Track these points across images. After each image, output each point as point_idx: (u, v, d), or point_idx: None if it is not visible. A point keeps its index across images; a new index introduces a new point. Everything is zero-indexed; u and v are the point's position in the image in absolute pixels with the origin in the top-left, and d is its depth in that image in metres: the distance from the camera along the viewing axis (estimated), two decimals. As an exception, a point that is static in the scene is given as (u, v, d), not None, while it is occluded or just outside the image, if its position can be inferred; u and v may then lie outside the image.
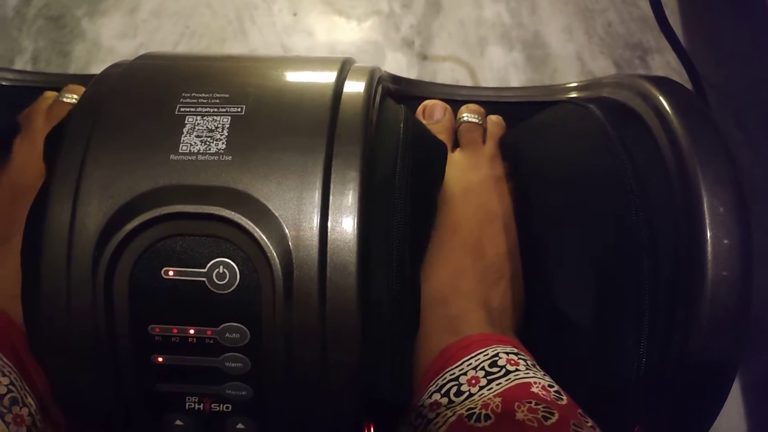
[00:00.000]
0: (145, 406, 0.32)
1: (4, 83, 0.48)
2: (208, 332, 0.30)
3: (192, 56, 0.44)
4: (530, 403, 0.28)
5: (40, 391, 0.33)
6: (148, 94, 0.34)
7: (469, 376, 0.31)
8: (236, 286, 0.30)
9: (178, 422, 0.33)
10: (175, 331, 0.30)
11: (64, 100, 0.43)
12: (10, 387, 0.31)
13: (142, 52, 0.64)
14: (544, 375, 0.30)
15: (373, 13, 0.66)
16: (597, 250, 0.35)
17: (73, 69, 0.64)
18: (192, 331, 0.30)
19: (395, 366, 0.33)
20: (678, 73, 0.59)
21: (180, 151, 0.31)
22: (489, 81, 0.61)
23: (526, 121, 0.43)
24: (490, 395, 0.29)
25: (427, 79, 0.60)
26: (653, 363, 0.33)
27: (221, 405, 0.32)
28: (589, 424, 0.27)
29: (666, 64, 0.62)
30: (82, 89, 0.44)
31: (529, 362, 0.31)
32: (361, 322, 0.30)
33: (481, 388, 0.30)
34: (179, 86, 0.33)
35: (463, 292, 0.36)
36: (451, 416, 0.29)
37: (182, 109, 0.32)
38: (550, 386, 0.29)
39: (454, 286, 0.36)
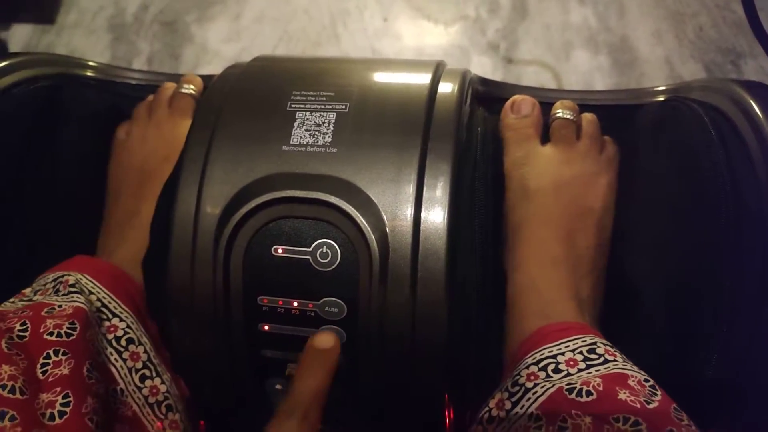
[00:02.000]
0: (250, 370, 0.36)
1: (130, 81, 0.54)
2: (310, 305, 0.34)
3: (300, 58, 0.48)
4: (631, 388, 0.29)
5: (153, 333, 0.38)
6: (263, 93, 0.38)
7: (567, 357, 0.32)
8: (337, 265, 0.33)
9: (278, 386, 0.36)
10: (281, 303, 0.34)
11: (183, 90, 0.48)
12: (127, 330, 0.36)
13: (244, 55, 0.70)
14: (640, 370, 0.31)
15: (460, 17, 0.69)
16: (685, 242, 0.36)
17: (183, 70, 0.70)
18: (296, 304, 0.34)
19: (480, 344, 0.35)
20: (773, 79, 0.57)
21: (291, 143, 0.35)
22: (573, 85, 0.62)
23: (637, 118, 0.44)
24: (590, 377, 0.30)
25: (511, 82, 0.62)
26: (729, 360, 0.34)
27: (317, 374, 0.35)
28: (684, 421, 0.28)
29: (759, 69, 0.61)
30: (199, 80, 0.49)
31: (624, 356, 0.32)
32: (449, 303, 0.32)
33: (580, 370, 0.31)
34: (290, 85, 0.37)
35: (555, 281, 0.37)
36: (550, 387, 0.30)
37: (293, 106, 0.36)
38: (646, 381, 0.30)
39: (546, 276, 0.37)
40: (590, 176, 0.41)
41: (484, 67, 0.65)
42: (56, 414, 0.29)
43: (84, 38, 0.72)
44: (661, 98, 0.45)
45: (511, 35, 0.67)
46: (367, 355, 0.34)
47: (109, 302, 0.36)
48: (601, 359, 0.31)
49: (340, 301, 0.33)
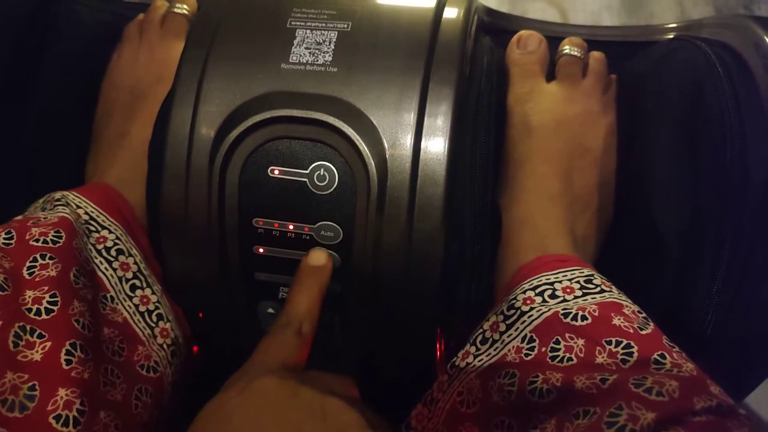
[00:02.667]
0: (244, 292, 0.36)
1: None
2: (306, 229, 0.33)
3: None
4: (625, 316, 0.30)
5: (143, 245, 0.38)
6: (262, 9, 0.36)
7: (564, 285, 0.32)
8: (334, 189, 0.33)
9: (270, 310, 0.36)
10: (276, 225, 0.34)
11: (176, 10, 0.46)
12: (116, 241, 0.36)
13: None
14: (634, 303, 0.31)
15: (467, -52, 0.66)
16: (689, 180, 0.36)
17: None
18: (291, 227, 0.33)
19: (473, 274, 0.35)
20: (786, 24, 0.56)
21: (290, 60, 0.33)
22: (581, 23, 0.60)
23: (637, 57, 0.43)
24: (586, 304, 0.30)
25: (517, 18, 0.60)
26: (724, 303, 0.34)
27: (311, 298, 0.35)
28: (675, 349, 0.28)
29: (773, 14, 0.59)
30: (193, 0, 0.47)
31: (619, 290, 0.33)
32: (446, 231, 0.32)
33: (576, 297, 0.31)
34: (290, 2, 0.36)
35: (552, 217, 0.37)
36: (546, 311, 0.31)
37: (293, 23, 0.35)
38: (640, 312, 0.31)
39: (543, 211, 0.37)
40: (593, 115, 0.41)
41: (489, 1, 0.63)
42: (42, 310, 0.29)
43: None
44: (671, 35, 0.44)
45: (519, -31, 0.64)
46: (362, 281, 0.34)
47: (98, 216, 0.36)
48: (598, 288, 0.32)
49: (336, 226, 0.33)
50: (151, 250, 0.38)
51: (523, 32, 0.44)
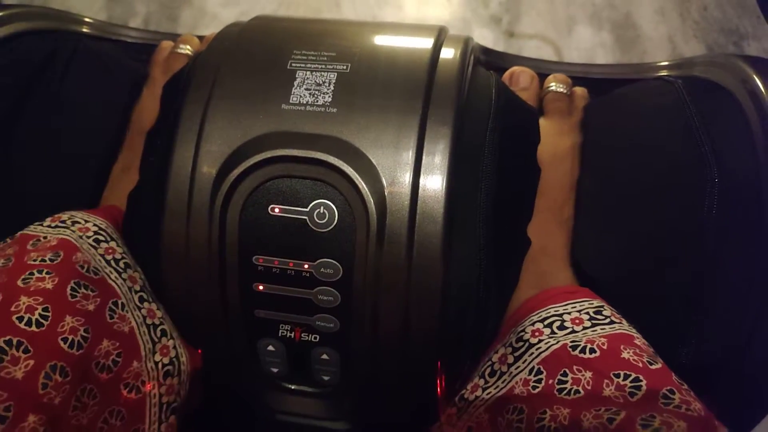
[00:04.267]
0: (243, 329, 0.36)
1: (126, 40, 0.53)
2: (306, 266, 0.34)
3: (301, 19, 0.47)
4: (635, 349, 0.29)
5: None
6: (263, 51, 0.37)
7: (572, 316, 0.32)
8: (334, 226, 0.33)
9: (270, 347, 0.36)
10: (276, 263, 0.34)
11: (179, 51, 0.47)
12: (123, 255, 0.36)
13: (243, 19, 0.69)
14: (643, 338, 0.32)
15: (463, -11, 0.68)
16: (659, 229, 0.36)
17: (180, 32, 0.69)
18: (291, 264, 0.34)
19: (480, 311, 0.35)
20: (775, 60, 0.57)
21: (290, 101, 0.34)
22: (575, 60, 0.62)
23: (612, 92, 0.44)
24: (595, 335, 0.30)
25: (513, 55, 0.61)
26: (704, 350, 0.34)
27: (310, 335, 0.35)
28: (684, 386, 0.28)
29: (762, 50, 0.61)
30: (196, 39, 0.48)
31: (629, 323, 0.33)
32: (444, 268, 0.32)
33: (585, 328, 0.31)
34: (291, 44, 0.37)
35: (551, 252, 0.37)
36: (554, 344, 0.31)
37: (293, 65, 0.36)
38: (649, 346, 0.31)
39: (542, 246, 0.38)
40: (578, 150, 0.41)
41: (485, 39, 0.65)
42: (34, 321, 0.29)
43: (79, -3, 0.71)
44: (663, 73, 0.45)
45: (514, 8, 0.66)
46: (361, 317, 0.34)
47: (107, 227, 0.36)
48: (608, 320, 0.32)
49: (336, 263, 0.33)
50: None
51: (515, 68, 0.45)
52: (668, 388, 0.27)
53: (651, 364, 0.28)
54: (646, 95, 0.41)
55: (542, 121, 0.42)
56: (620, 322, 0.31)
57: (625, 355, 0.29)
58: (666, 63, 0.46)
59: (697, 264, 0.35)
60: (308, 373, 0.37)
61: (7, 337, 0.28)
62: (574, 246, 0.38)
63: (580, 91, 0.44)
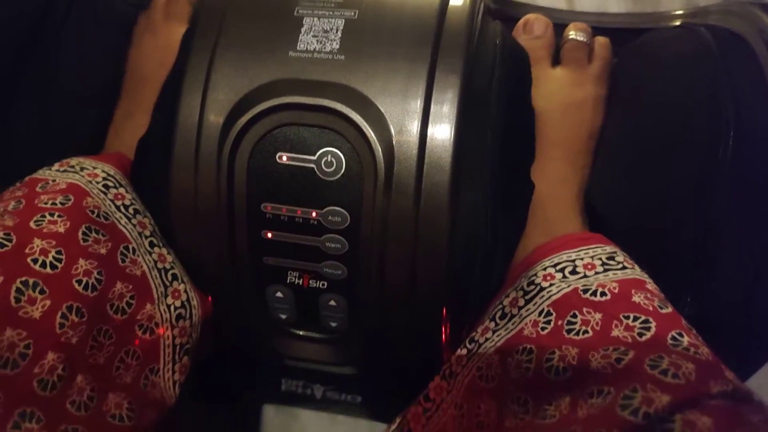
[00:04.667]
0: (252, 276, 0.37)
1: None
2: (314, 214, 0.34)
3: None
4: (646, 293, 0.30)
5: None
6: (270, -3, 0.36)
7: (585, 261, 0.32)
8: (342, 174, 0.33)
9: (279, 294, 0.37)
10: (284, 210, 0.34)
11: None
12: (133, 201, 0.36)
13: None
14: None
15: (473, -66, 0.65)
16: (676, 174, 0.36)
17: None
18: (299, 212, 0.34)
19: (485, 259, 0.35)
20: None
21: (297, 48, 0.34)
22: (587, 9, 0.60)
23: (636, 41, 0.43)
24: (606, 280, 0.31)
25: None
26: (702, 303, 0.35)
27: (318, 282, 0.36)
28: (693, 331, 0.28)
29: (781, -1, 0.59)
30: None
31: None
32: (452, 216, 0.33)
33: (597, 273, 0.31)
34: (298, -11, 0.36)
35: (562, 200, 0.38)
36: (565, 287, 0.31)
37: (300, 11, 0.35)
38: (660, 291, 0.31)
39: (553, 194, 0.38)
40: (600, 100, 0.41)
41: (495, -13, 0.63)
42: (48, 264, 0.29)
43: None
44: (677, 22, 0.44)
45: (525, -45, 0.64)
46: (368, 266, 0.34)
47: (115, 174, 0.36)
48: (620, 266, 0.32)
49: (344, 211, 0.33)
50: None
51: (529, 16, 0.44)
52: (677, 331, 0.27)
53: (661, 308, 0.28)
54: (670, 43, 0.40)
55: (558, 71, 0.41)
56: (632, 268, 0.32)
57: (635, 298, 0.29)
58: (681, 12, 0.45)
59: (709, 216, 0.35)
60: (316, 319, 0.38)
61: (24, 278, 0.28)
62: (591, 191, 0.39)
63: (602, 39, 0.43)
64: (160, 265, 0.35)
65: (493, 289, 0.37)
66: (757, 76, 0.36)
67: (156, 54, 0.44)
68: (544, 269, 0.33)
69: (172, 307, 0.35)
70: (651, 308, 0.28)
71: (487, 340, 0.33)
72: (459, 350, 0.34)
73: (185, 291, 0.36)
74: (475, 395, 0.32)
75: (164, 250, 0.36)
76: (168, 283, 0.35)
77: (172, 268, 0.36)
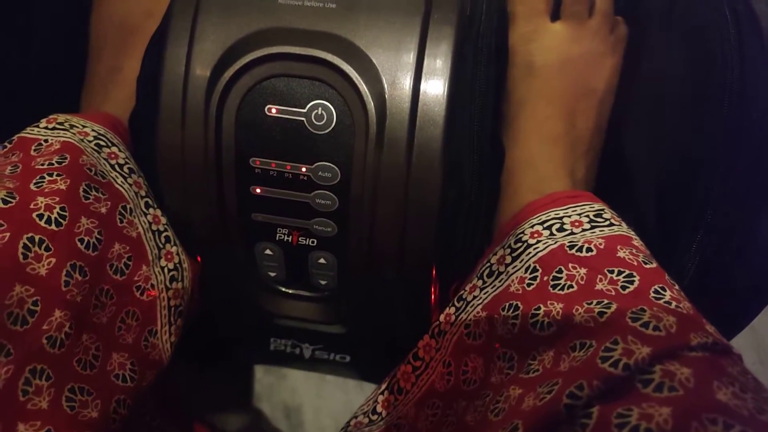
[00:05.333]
0: (241, 233, 0.36)
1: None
2: (303, 169, 0.33)
3: None
4: (631, 249, 0.30)
5: None
6: (258, -59, 0.35)
7: (572, 219, 0.32)
8: (332, 129, 0.32)
9: (267, 251, 0.37)
10: (273, 165, 0.33)
11: None
12: (126, 160, 0.35)
13: None
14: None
15: None
16: (684, 131, 0.36)
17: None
18: (288, 167, 0.33)
19: (470, 215, 0.35)
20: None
21: (287, -5, 0.33)
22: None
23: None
24: (593, 237, 0.31)
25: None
26: (706, 270, 0.35)
27: (307, 239, 0.36)
28: (676, 286, 0.28)
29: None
30: None
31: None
32: (444, 171, 0.32)
33: (584, 230, 0.31)
34: (288, -66, 0.34)
35: (554, 158, 0.37)
36: (552, 244, 0.31)
37: (290, -43, 0.34)
38: (645, 248, 0.31)
39: (544, 152, 0.37)
40: (598, 56, 0.40)
41: (491, -56, 0.61)
42: (53, 220, 0.29)
43: None
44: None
45: None
46: (359, 222, 0.34)
47: (105, 133, 0.35)
48: (607, 222, 0.32)
49: (334, 166, 0.33)
50: None
51: None
52: (660, 285, 0.27)
53: (646, 263, 0.29)
54: (689, 6, 0.39)
55: (557, 25, 0.40)
56: (619, 225, 0.32)
57: (621, 254, 0.29)
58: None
59: (714, 175, 0.35)
60: (305, 277, 0.37)
61: (30, 234, 0.28)
62: (607, 138, 0.39)
63: None
64: (154, 227, 0.35)
65: (478, 247, 0.37)
66: (756, 34, 0.35)
67: (143, 4, 0.42)
68: (532, 226, 0.32)
69: (165, 269, 0.34)
70: (635, 263, 0.29)
71: (474, 298, 0.33)
72: (447, 309, 0.34)
73: (177, 253, 0.35)
74: (463, 353, 0.32)
75: (158, 212, 0.35)
76: (161, 245, 0.35)
77: (165, 230, 0.35)
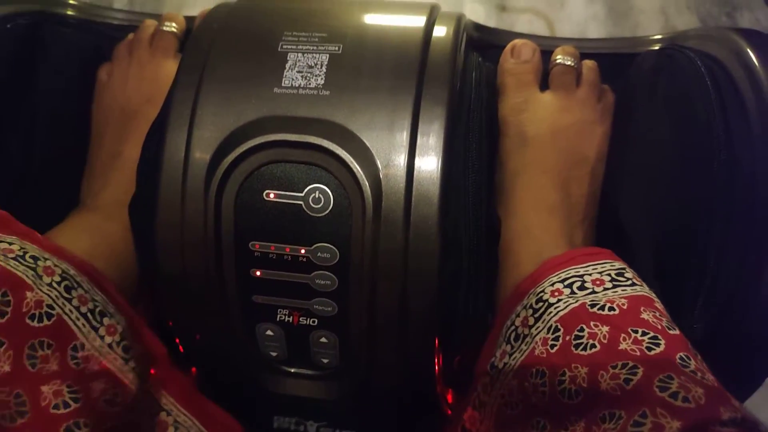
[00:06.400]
0: (241, 314, 0.36)
1: (112, 22, 0.52)
2: (302, 251, 0.33)
3: None
4: (654, 312, 0.29)
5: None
6: (254, 33, 0.36)
7: (593, 277, 0.32)
8: (330, 210, 0.33)
9: (269, 332, 0.37)
10: (272, 248, 0.34)
11: (165, 29, 0.46)
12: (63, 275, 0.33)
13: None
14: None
15: (453, -38, 0.67)
16: (676, 195, 0.37)
17: (166, 11, 0.67)
18: (288, 249, 0.34)
19: (469, 290, 0.35)
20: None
21: (283, 84, 0.34)
22: (567, 34, 0.61)
23: (634, 63, 0.43)
24: (615, 296, 0.30)
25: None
26: (713, 313, 0.35)
27: (308, 319, 0.36)
28: (699, 356, 0.28)
29: (755, 21, 0.60)
30: (181, 18, 0.47)
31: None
32: (441, 249, 0.32)
33: (606, 289, 0.31)
34: (282, 25, 0.36)
35: (551, 228, 0.37)
36: (573, 303, 0.30)
37: (285, 47, 0.35)
38: (667, 313, 0.30)
39: (541, 222, 0.38)
40: (588, 124, 0.41)
41: (476, 14, 0.64)
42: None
43: (61, -24, 0.69)
44: (657, 47, 0.45)
45: (505, -18, 0.65)
46: (359, 300, 0.34)
47: (74, 274, 0.33)
48: (629, 282, 0.31)
49: (333, 247, 0.33)
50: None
51: (517, 41, 0.44)
52: (685, 353, 0.27)
53: (669, 329, 0.28)
54: (664, 71, 0.41)
55: (547, 95, 0.41)
56: (641, 285, 0.31)
57: (644, 315, 0.28)
58: (660, 36, 0.46)
59: (711, 237, 0.35)
60: (307, 356, 0.37)
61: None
62: (602, 208, 0.39)
63: (589, 63, 0.43)
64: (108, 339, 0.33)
65: (480, 318, 0.37)
66: (735, 99, 0.36)
67: (143, 89, 0.43)
68: (552, 285, 0.32)
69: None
70: (660, 327, 0.28)
71: (505, 365, 0.32)
72: (484, 378, 0.33)
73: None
74: (504, 424, 0.31)
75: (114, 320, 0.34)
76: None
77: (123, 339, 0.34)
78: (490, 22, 0.63)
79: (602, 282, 0.31)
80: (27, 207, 0.38)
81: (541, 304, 0.32)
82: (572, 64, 0.42)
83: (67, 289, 0.32)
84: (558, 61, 0.42)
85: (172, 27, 0.46)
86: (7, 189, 0.42)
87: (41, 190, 0.42)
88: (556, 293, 0.32)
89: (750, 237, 0.34)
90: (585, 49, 0.46)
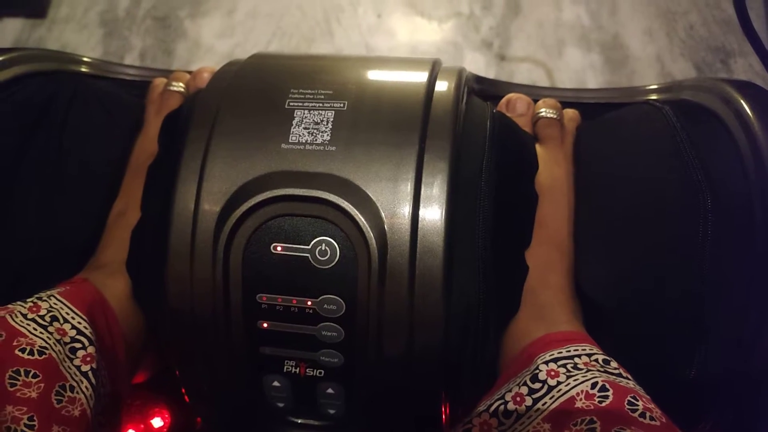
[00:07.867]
0: (249, 366, 0.36)
1: (124, 78, 0.54)
2: (309, 303, 0.34)
3: (298, 56, 0.48)
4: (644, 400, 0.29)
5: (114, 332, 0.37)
6: (261, 90, 0.38)
7: (583, 360, 0.32)
8: (336, 263, 0.33)
9: (275, 383, 0.37)
10: (279, 300, 0.34)
11: (171, 89, 0.48)
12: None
13: (238, 51, 0.70)
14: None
15: (453, 14, 0.69)
16: (659, 254, 0.37)
17: (176, 66, 0.70)
18: (294, 301, 0.34)
19: (477, 341, 0.35)
20: (761, 78, 0.58)
21: (290, 141, 0.35)
22: (566, 82, 0.63)
23: (599, 118, 0.44)
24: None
25: (504, 79, 0.62)
26: (707, 377, 0.35)
27: (315, 370, 0.36)
28: (645, 396, 0.29)
29: (749, 67, 0.62)
30: (186, 75, 0.49)
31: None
32: (446, 300, 0.33)
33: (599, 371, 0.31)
34: (288, 83, 0.37)
35: (552, 285, 0.37)
36: (570, 389, 0.30)
37: (291, 104, 0.36)
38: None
39: (542, 279, 0.38)
40: (572, 177, 0.42)
41: (477, 63, 0.66)
42: None
43: (75, 33, 0.72)
44: (653, 97, 0.46)
45: (504, 32, 0.67)
46: (365, 353, 0.34)
47: (85, 328, 0.35)
48: (617, 372, 0.31)
49: (339, 299, 0.34)
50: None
51: (511, 95, 0.45)
52: (632, 395, 0.27)
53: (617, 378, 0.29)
54: (634, 121, 0.42)
55: (539, 149, 0.42)
56: (627, 378, 0.31)
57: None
58: (655, 86, 0.47)
59: (696, 287, 0.35)
60: (314, 407, 0.37)
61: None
62: (577, 274, 0.39)
63: (571, 113, 0.44)
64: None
65: (488, 367, 0.37)
66: (731, 150, 0.37)
67: (147, 147, 0.45)
68: (546, 363, 0.32)
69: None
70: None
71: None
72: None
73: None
74: None
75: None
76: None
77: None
78: (491, 71, 0.65)
79: (589, 364, 0.32)
80: (44, 262, 0.39)
81: (539, 384, 0.32)
82: (554, 116, 0.43)
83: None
84: (541, 114, 0.43)
85: (178, 86, 0.48)
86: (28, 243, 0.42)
87: (62, 247, 0.43)
88: (553, 374, 0.32)
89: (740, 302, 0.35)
90: (582, 99, 0.47)
